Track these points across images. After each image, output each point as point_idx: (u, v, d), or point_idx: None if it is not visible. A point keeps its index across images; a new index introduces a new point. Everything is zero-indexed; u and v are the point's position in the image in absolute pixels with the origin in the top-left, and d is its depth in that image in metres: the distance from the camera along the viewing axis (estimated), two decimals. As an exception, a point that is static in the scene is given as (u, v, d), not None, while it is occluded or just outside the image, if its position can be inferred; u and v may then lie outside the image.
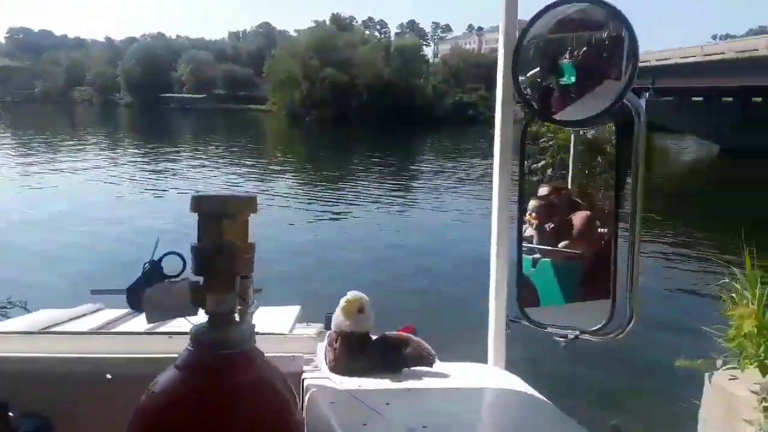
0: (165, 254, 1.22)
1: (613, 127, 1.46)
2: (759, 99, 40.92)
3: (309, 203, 17.97)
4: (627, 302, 1.38)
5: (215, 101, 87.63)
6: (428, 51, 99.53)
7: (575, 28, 1.42)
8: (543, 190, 1.60)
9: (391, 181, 23.37)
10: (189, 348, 1.02)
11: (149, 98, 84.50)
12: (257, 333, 1.12)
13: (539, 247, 1.55)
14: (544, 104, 1.46)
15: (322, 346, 1.62)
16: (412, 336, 1.60)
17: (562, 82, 1.42)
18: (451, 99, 69.20)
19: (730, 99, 41.25)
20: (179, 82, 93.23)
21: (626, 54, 1.31)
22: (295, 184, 22.09)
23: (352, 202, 18.29)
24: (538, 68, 1.46)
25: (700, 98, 42.30)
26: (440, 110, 65.89)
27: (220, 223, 0.99)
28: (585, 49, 1.39)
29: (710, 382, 3.44)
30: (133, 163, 26.54)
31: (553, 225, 1.54)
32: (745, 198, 21.36)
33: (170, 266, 1.17)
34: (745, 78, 35.04)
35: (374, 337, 1.59)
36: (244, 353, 1.03)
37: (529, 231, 1.57)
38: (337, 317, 1.58)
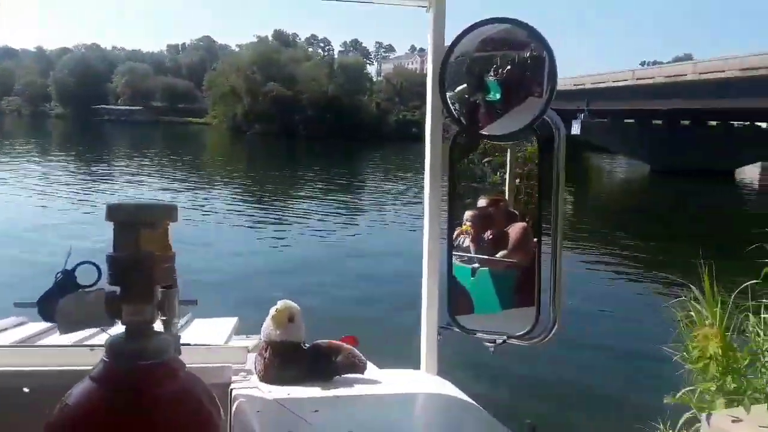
0: (78, 264, 1.16)
1: (534, 143, 1.52)
2: (687, 122, 42.95)
3: (250, 216, 17.53)
4: (551, 309, 1.45)
5: (153, 113, 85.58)
6: (372, 70, 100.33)
7: (500, 47, 1.49)
8: (481, 202, 1.63)
9: (336, 193, 23.14)
10: (104, 359, 0.98)
11: (82, 109, 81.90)
12: (185, 344, 1.13)
13: (478, 256, 1.59)
14: (471, 119, 1.52)
15: (253, 357, 1.61)
16: (344, 344, 1.62)
17: (488, 99, 1.49)
18: (395, 117, 69.96)
19: (660, 122, 43.18)
20: (114, 93, 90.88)
21: (547, 73, 1.38)
22: (236, 197, 21.47)
23: (293, 215, 17.99)
24: (466, 85, 1.52)
25: (632, 120, 44.08)
26: (385, 127, 66.52)
27: (137, 231, 0.97)
28: (509, 67, 1.46)
29: (708, 423, 3.05)
30: (63, 174, 25.27)
31: (491, 235, 1.59)
32: (679, 215, 22.27)
33: (86, 276, 1.12)
34: (674, 101, 36.79)
35: (306, 346, 1.60)
36: (164, 364, 1.00)
37: (466, 242, 1.61)
38: (267, 327, 1.58)
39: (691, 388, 3.43)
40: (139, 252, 0.97)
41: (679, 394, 3.43)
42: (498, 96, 1.47)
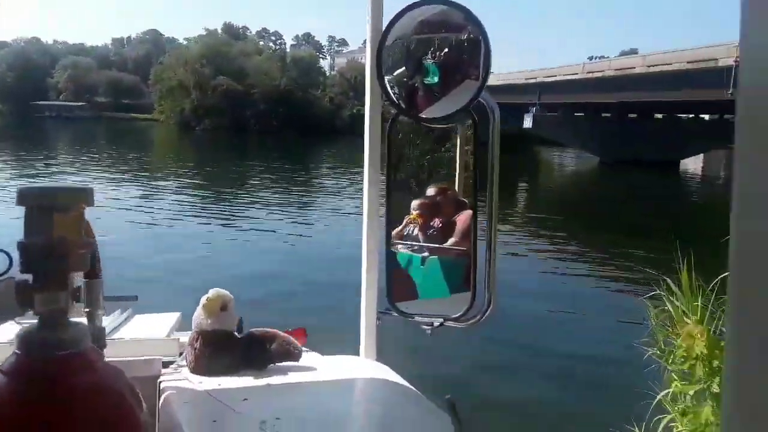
0: None
1: (471, 130, 1.52)
2: (634, 115, 43.89)
3: (200, 211, 16.89)
4: (485, 292, 1.48)
5: (97, 109, 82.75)
6: (325, 64, 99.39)
7: (437, 30, 1.48)
8: (430, 191, 1.64)
9: (288, 188, 22.65)
10: (16, 351, 0.96)
11: (22, 105, 78.45)
12: (113, 339, 1.24)
13: (427, 245, 1.60)
14: (410, 103, 1.52)
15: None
16: (279, 332, 1.60)
17: (426, 82, 1.49)
18: (349, 111, 69.30)
19: (609, 114, 44.00)
20: (56, 89, 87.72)
21: (483, 56, 1.40)
22: (185, 194, 20.64)
23: (244, 209, 17.43)
24: (404, 68, 1.51)
25: (582, 114, 44.77)
26: (339, 122, 65.86)
27: (50, 216, 0.94)
28: (447, 50, 1.46)
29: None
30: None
31: (439, 224, 1.60)
32: (629, 207, 22.58)
33: None
34: (623, 94, 37.48)
35: (239, 335, 1.58)
36: (80, 354, 0.98)
37: (415, 231, 1.62)
38: (198, 316, 1.56)
39: (668, 390, 3.19)
40: (52, 237, 0.94)
41: (658, 397, 3.18)
42: (436, 79, 1.48)
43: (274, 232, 14.52)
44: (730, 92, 31.08)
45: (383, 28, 1.52)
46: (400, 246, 1.65)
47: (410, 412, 1.46)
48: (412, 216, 1.63)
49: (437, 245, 1.60)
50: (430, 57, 1.48)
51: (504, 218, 17.28)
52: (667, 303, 3.46)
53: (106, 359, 1.06)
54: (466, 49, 1.44)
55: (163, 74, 70.76)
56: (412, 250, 1.63)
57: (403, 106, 1.53)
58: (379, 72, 1.52)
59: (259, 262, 11.41)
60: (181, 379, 1.51)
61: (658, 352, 3.38)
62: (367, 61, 1.59)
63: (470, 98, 1.40)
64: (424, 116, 1.52)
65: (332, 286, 8.80)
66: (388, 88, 1.53)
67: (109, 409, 0.98)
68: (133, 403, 1.01)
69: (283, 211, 17.50)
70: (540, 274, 11.76)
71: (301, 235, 14.37)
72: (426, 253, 1.61)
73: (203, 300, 1.56)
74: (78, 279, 1.02)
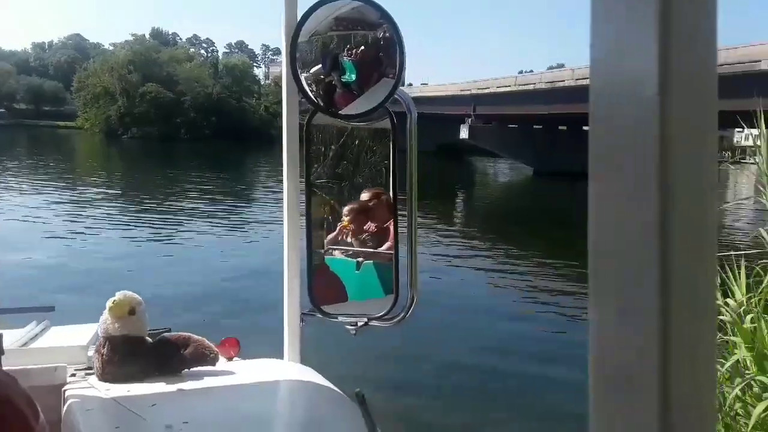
0: None
1: (390, 130, 1.53)
2: (564, 127, 45.18)
3: (125, 222, 15.89)
4: (408, 291, 1.49)
5: (16, 116, 78.34)
6: (259, 72, 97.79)
7: (352, 27, 1.49)
8: (364, 196, 1.63)
9: (220, 195, 21.84)
10: None
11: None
12: (20, 348, 1.21)
13: (363, 250, 1.61)
14: (327, 100, 1.52)
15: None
16: (193, 336, 1.57)
17: (344, 79, 1.48)
18: (283, 120, 68.46)
19: (540, 126, 45.12)
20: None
21: (398, 54, 1.42)
22: (110, 204, 19.45)
23: (173, 218, 16.59)
24: (320, 65, 1.51)
25: (516, 125, 45.75)
26: (275, 131, 64.65)
27: None
28: (363, 48, 1.47)
29: None
30: None
31: (374, 229, 1.61)
32: (565, 215, 23.00)
33: None
34: (554, 107, 38.47)
35: (150, 341, 1.54)
36: None
37: (349, 237, 1.63)
38: (105, 320, 1.51)
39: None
40: None
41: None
42: (354, 76, 1.47)
43: (203, 241, 13.80)
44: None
45: (297, 22, 1.49)
46: (335, 252, 1.64)
47: (331, 412, 1.44)
48: (344, 223, 1.62)
49: (372, 250, 1.61)
50: (346, 54, 1.47)
51: (446, 227, 17.27)
52: None
53: (7, 368, 1.04)
54: (381, 47, 1.45)
55: (88, 80, 67.77)
56: (347, 255, 1.63)
57: (321, 103, 1.52)
58: (293, 66, 1.49)
59: (188, 272, 10.78)
60: (87, 387, 1.46)
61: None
62: (283, 56, 1.56)
63: (386, 95, 1.40)
64: (342, 113, 1.50)
65: (264, 297, 8.33)
66: (305, 85, 1.50)
67: None
68: (27, 413, 0.96)
69: (213, 220, 16.81)
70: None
71: (234, 243, 13.77)
72: (360, 258, 1.62)
73: (109, 303, 1.49)
74: None
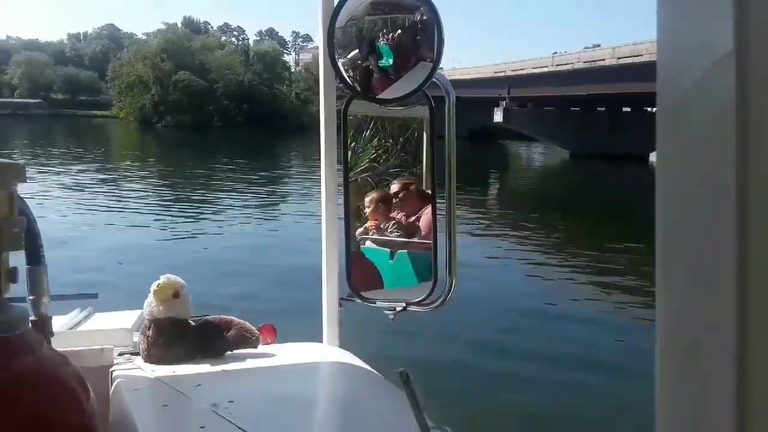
0: None
1: (428, 114, 1.52)
2: (603, 108, 43.95)
3: (165, 209, 15.80)
4: (447, 277, 1.50)
5: (53, 106, 79.78)
6: (290, 60, 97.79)
7: (389, 11, 1.51)
8: (394, 187, 1.65)
9: (254, 185, 21.62)
10: None
11: (-26, 104, 75.20)
12: (64, 331, 1.31)
13: (399, 240, 1.63)
14: (364, 85, 1.52)
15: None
16: (235, 318, 1.61)
17: (381, 64, 1.48)
18: (315, 106, 68.10)
19: (578, 108, 43.99)
20: (10, 86, 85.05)
21: (437, 37, 1.40)
22: (149, 189, 19.48)
23: (210, 209, 16.42)
24: (357, 50, 1.50)
25: (552, 108, 44.67)
26: (306, 118, 64.72)
27: None
28: (399, 31, 1.46)
29: None
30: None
31: (405, 219, 1.63)
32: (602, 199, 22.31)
33: None
34: (592, 87, 37.35)
35: (194, 323, 1.57)
36: (15, 337, 0.95)
37: (384, 224, 1.65)
38: (150, 303, 1.55)
39: None
40: None
41: None
42: (390, 61, 1.47)
43: (241, 227, 13.68)
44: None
45: (334, 8, 1.48)
46: (367, 242, 1.65)
47: (370, 394, 1.47)
48: (369, 225, 1.64)
49: (405, 240, 1.61)
50: (383, 38, 1.47)
51: (479, 211, 16.83)
52: None
53: (57, 349, 1.05)
54: (419, 30, 1.44)
55: (122, 70, 68.70)
56: (380, 244, 1.64)
57: (358, 88, 1.51)
58: (331, 52, 1.50)
59: (225, 259, 10.59)
60: (133, 368, 1.50)
61: None
62: (320, 42, 1.58)
63: (424, 79, 1.40)
64: (380, 98, 1.50)
65: (301, 284, 8.07)
66: (342, 70, 1.50)
67: (49, 395, 0.95)
68: (78, 391, 0.98)
69: (248, 207, 16.62)
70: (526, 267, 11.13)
71: (270, 230, 13.60)
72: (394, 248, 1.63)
73: (153, 287, 1.53)
74: (11, 261, 0.98)
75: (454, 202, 1.49)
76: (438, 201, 1.53)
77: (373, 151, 1.65)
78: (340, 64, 1.50)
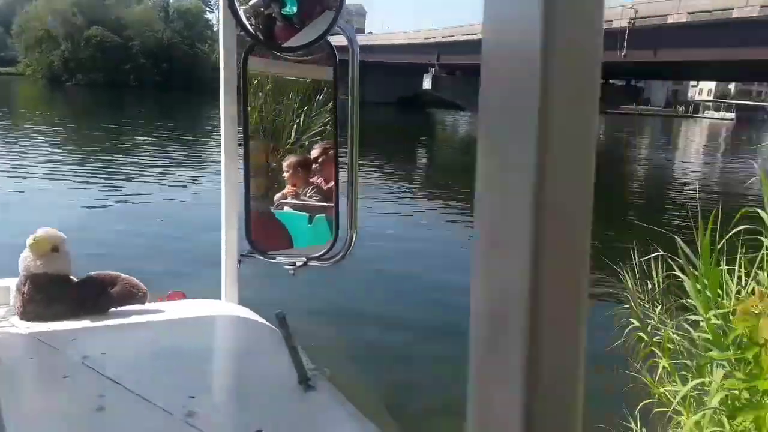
0: None
1: (332, 74, 1.52)
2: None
3: (70, 172, 14.68)
4: (348, 231, 1.52)
5: (-50, 62, 73.40)
6: (213, 17, 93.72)
7: None
8: (315, 152, 1.63)
9: (170, 148, 20.61)
10: None
11: None
12: None
13: (317, 204, 1.61)
14: (267, 33, 1.49)
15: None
16: (121, 274, 1.55)
17: (284, 12, 1.45)
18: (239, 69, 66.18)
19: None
20: None
21: None
22: (55, 152, 18.07)
23: (120, 169, 15.47)
24: None
25: (479, 76, 44.82)
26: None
27: None
28: None
29: None
30: None
31: (323, 183, 1.60)
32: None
33: None
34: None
35: (75, 279, 1.53)
36: None
37: (292, 199, 1.64)
38: (26, 258, 1.49)
39: (697, 380, 2.55)
40: None
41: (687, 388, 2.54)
42: (294, 9, 1.44)
43: (152, 193, 12.89)
44: (623, 54, 32.01)
45: None
46: (285, 207, 1.64)
47: (258, 345, 1.46)
48: (287, 190, 1.62)
49: (324, 204, 1.60)
50: None
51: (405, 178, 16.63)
52: (689, 276, 2.73)
53: None
54: None
55: (29, 24, 64.00)
56: (297, 209, 1.63)
57: (261, 37, 1.48)
58: (232, 2, 1.45)
59: (136, 224, 9.95)
60: (7, 326, 1.45)
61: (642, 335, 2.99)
62: None
63: (327, 26, 1.38)
64: (283, 46, 1.48)
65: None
66: (243, 18, 1.46)
67: None
68: None
69: (163, 170, 15.75)
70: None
71: (190, 193, 12.92)
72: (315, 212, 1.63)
73: (30, 240, 1.47)
74: None
75: (356, 160, 1.48)
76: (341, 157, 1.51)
77: (277, 108, 1.61)
78: (241, 12, 1.45)
